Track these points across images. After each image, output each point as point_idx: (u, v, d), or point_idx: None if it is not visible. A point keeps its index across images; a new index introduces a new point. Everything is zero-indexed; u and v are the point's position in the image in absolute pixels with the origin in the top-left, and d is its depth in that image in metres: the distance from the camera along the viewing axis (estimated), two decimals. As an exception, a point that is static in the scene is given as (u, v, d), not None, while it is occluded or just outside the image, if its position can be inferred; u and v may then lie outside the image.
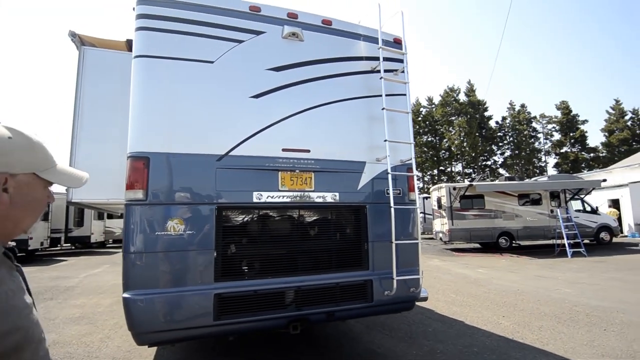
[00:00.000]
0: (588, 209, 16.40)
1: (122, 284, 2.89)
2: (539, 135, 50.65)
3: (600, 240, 16.04)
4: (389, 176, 3.49)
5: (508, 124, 50.82)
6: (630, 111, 45.28)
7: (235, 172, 3.15)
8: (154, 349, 4.57)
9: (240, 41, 3.35)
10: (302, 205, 3.33)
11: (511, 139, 50.41)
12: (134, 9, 3.20)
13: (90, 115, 3.67)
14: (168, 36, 3.16)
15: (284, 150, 3.31)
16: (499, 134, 50.43)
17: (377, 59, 3.83)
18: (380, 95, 3.72)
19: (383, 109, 3.62)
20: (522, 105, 51.10)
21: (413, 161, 3.72)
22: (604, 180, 15.50)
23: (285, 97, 3.40)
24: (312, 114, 3.47)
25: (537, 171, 48.43)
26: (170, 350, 4.44)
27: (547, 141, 50.46)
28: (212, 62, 3.24)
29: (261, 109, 3.31)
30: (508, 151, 50.56)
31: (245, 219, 3.21)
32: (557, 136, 49.55)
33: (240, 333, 3.24)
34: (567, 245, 13.05)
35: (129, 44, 3.96)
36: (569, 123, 47.99)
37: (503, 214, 15.76)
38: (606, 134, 46.40)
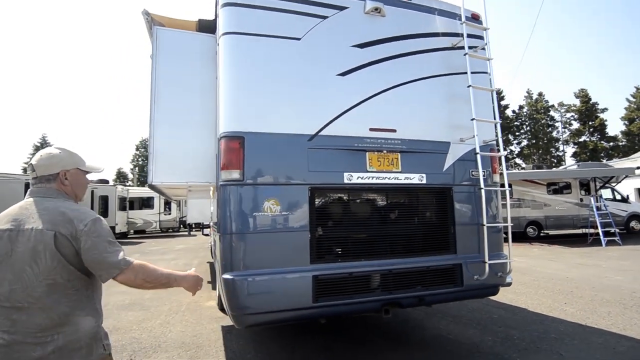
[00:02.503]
0: (618, 197, 16.02)
1: (220, 265, 2.85)
2: (556, 124, 49.59)
3: (630, 229, 15.69)
4: (478, 157, 3.37)
5: (525, 113, 49.83)
6: (653, 98, 43.96)
7: (325, 152, 3.06)
8: (220, 334, 4.57)
9: (324, 17, 3.23)
10: (390, 186, 3.23)
11: (528, 128, 49.44)
12: None
13: (165, 96, 3.60)
14: (254, 12, 3.06)
15: (371, 129, 3.21)
16: (515, 123, 49.50)
17: (455, 34, 3.69)
18: (461, 73, 3.59)
19: (469, 86, 3.48)
20: (540, 94, 50.01)
21: (500, 141, 3.59)
22: (638, 168, 15.07)
23: (370, 74, 3.29)
24: (396, 93, 3.35)
25: (555, 160, 47.54)
26: (239, 335, 4.43)
27: (566, 130, 49.44)
28: (298, 39, 3.13)
29: (348, 87, 3.20)
30: (525, 140, 49.65)
31: (337, 200, 3.12)
32: (575, 125, 48.46)
33: (335, 315, 3.19)
34: (601, 233, 12.77)
35: (200, 25, 3.87)
36: (588, 112, 46.81)
37: (532, 203, 15.48)
38: (626, 122, 45.16)
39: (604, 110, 47.01)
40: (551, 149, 48.97)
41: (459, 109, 3.57)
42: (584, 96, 47.63)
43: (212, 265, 10.57)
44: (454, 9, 3.75)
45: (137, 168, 55.50)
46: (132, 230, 23.31)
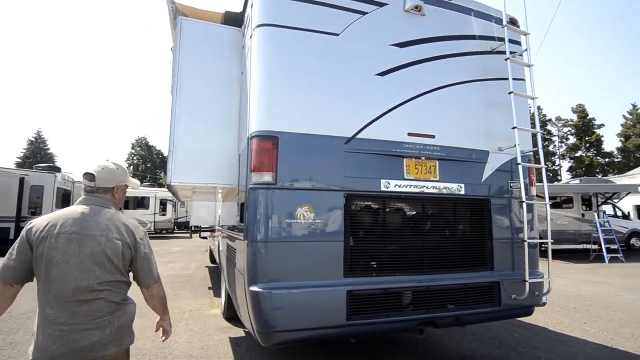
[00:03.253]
0: (619, 214, 16.00)
1: (246, 276, 2.60)
2: (553, 138, 50.01)
3: (631, 246, 15.65)
4: (520, 168, 3.18)
5: (522, 126, 50.07)
6: (648, 116, 44.54)
7: (362, 157, 2.85)
8: (228, 346, 4.30)
9: (363, 12, 3.04)
10: (427, 196, 3.02)
11: (525, 141, 49.65)
12: None
13: (187, 91, 3.37)
14: (292, 3, 2.87)
15: (409, 134, 3.00)
16: (512, 135, 49.67)
17: (493, 38, 3.52)
18: (498, 79, 3.42)
19: (510, 92, 3.30)
20: (538, 107, 50.39)
21: (541, 152, 3.40)
22: (642, 185, 15.08)
23: (409, 75, 3.09)
24: (435, 96, 3.16)
25: (550, 174, 47.85)
26: (249, 348, 4.17)
27: (562, 144, 49.83)
28: (337, 35, 2.93)
29: (387, 87, 3.00)
30: (521, 153, 49.80)
31: (372, 209, 2.90)
32: (572, 140, 48.87)
33: (368, 335, 2.96)
34: (604, 250, 12.68)
35: (226, 17, 3.66)
36: (585, 127, 47.25)
37: (533, 216, 15.34)
38: (622, 139, 45.67)
39: (600, 126, 47.54)
40: (547, 163, 49.31)
41: (495, 116, 3.39)
42: (581, 111, 48.13)
43: (211, 269, 10.27)
44: (491, 12, 3.59)
45: (131, 167, 54.83)
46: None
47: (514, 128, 3.23)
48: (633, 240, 15.76)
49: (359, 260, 2.76)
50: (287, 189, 2.63)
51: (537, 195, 3.31)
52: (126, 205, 22.45)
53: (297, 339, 2.61)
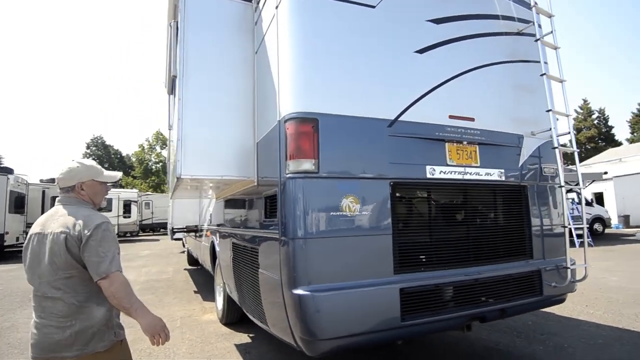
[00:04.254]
0: (583, 201, 16.98)
1: (284, 278, 2.28)
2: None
3: (594, 231, 16.66)
4: (557, 152, 3.06)
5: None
6: (596, 110, 47.88)
7: (406, 141, 2.59)
8: (237, 355, 3.93)
9: (397, -17, 2.77)
10: (470, 183, 2.82)
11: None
12: None
13: (195, 73, 2.94)
14: (324, -30, 2.53)
15: (450, 117, 2.78)
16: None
17: (519, 20, 3.38)
18: (525, 61, 3.29)
19: (543, 74, 3.16)
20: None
21: (573, 136, 3.31)
22: (605, 173, 16.06)
23: (446, 54, 2.87)
24: (472, 77, 2.96)
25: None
26: (261, 355, 3.82)
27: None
28: (373, 7, 2.64)
29: (426, 66, 2.76)
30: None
31: (418, 198, 2.66)
32: (528, 133, 51.59)
33: (419, 335, 2.71)
34: (574, 235, 13.34)
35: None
36: (540, 120, 50.10)
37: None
38: (574, 132, 48.84)
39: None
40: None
41: (525, 99, 3.26)
42: (536, 106, 50.93)
43: (193, 272, 9.67)
44: (516, -6, 3.45)
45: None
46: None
47: (548, 111, 3.11)
48: (596, 226, 16.80)
49: (408, 255, 2.51)
50: (331, 178, 2.33)
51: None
52: (87, 208, 20.90)
53: (347, 345, 2.32)
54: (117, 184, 33.28)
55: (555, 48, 3.41)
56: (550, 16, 3.48)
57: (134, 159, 47.46)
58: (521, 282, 2.90)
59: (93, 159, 54.12)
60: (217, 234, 4.92)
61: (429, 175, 2.62)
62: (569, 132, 3.31)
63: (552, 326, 4.53)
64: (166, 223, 20.74)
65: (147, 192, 31.88)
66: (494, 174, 2.91)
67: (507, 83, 3.20)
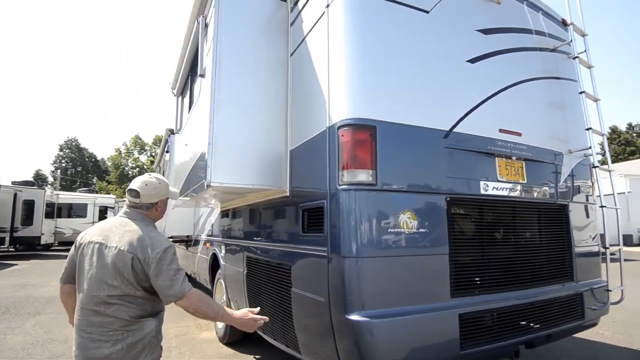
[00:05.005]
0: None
1: (338, 301, 2.05)
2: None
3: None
4: (595, 171, 3.00)
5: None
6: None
7: (460, 154, 2.44)
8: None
9: (448, -10, 2.66)
10: (519, 201, 2.70)
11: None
12: None
13: (229, 72, 2.70)
14: (379, -31, 2.38)
15: (500, 131, 2.66)
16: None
17: (551, 36, 3.35)
18: (560, 79, 3.25)
19: (582, 92, 3.12)
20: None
21: (608, 155, 3.26)
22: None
23: (495, 66, 2.78)
24: (517, 91, 2.87)
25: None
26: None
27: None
28: (427, 12, 2.51)
29: (477, 77, 2.65)
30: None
31: (474, 215, 2.50)
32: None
33: None
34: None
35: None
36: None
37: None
38: (607, 150, 50.15)
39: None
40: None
41: (561, 116, 3.20)
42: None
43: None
44: (549, 10, 3.43)
45: (59, 171, 49.12)
46: (56, 242, 19.95)
47: (588, 129, 3.06)
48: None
49: (464, 277, 2.33)
50: (389, 191, 2.13)
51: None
52: (59, 213, 19.79)
53: (404, 377, 2.10)
54: (90, 189, 31.87)
55: (590, 67, 3.40)
56: (583, 35, 3.48)
57: (109, 163, 45.79)
58: (566, 305, 2.77)
59: (66, 161, 51.88)
60: (222, 246, 4.60)
61: (482, 191, 2.47)
62: (604, 152, 3.27)
63: (568, 347, 4.44)
64: None
65: (124, 198, 30.62)
66: (539, 192, 2.81)
67: (546, 99, 3.13)
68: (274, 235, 3.04)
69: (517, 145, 2.73)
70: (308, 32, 2.68)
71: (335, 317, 2.06)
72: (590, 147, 3.04)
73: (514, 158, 2.69)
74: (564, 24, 3.55)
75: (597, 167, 2.99)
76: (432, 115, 2.37)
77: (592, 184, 3.27)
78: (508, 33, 2.96)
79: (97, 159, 54.94)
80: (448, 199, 2.31)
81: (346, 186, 2.09)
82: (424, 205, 2.22)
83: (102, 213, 22.06)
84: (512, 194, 2.64)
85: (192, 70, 3.86)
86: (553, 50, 3.32)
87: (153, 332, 1.71)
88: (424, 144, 2.29)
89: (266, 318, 1.84)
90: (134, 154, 44.12)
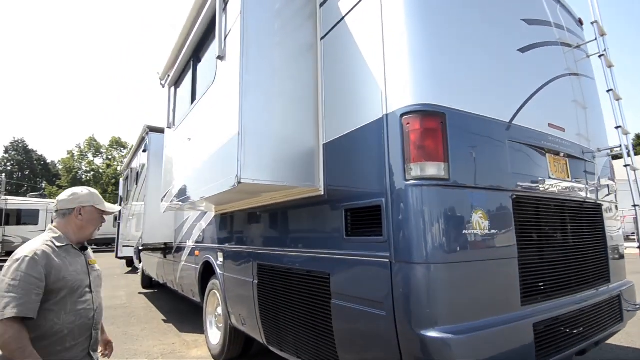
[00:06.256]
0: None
1: (403, 314, 1.77)
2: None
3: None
4: (628, 169, 2.94)
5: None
6: None
7: (520, 148, 2.26)
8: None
9: (497, -26, 2.50)
10: (569, 200, 2.56)
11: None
12: None
13: (257, 54, 2.34)
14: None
15: (550, 125, 2.53)
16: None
17: (573, 34, 3.32)
18: (583, 76, 3.21)
19: (609, 90, 3.08)
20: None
21: (632, 153, 3.23)
22: None
23: (539, 57, 2.65)
24: (557, 85, 2.76)
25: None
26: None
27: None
28: (479, -5, 2.32)
29: (528, 67, 2.51)
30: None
31: (536, 215, 2.30)
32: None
33: None
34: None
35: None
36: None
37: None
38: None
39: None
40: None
41: (588, 114, 3.15)
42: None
43: (152, 296, 8.39)
44: (571, 9, 3.41)
45: (4, 175, 44.84)
46: (4, 252, 18.02)
47: (617, 128, 3.01)
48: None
49: (532, 282, 2.13)
50: (462, 187, 1.89)
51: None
52: (7, 221, 17.92)
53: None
54: (41, 194, 29.30)
55: (610, 66, 3.38)
56: (603, 34, 3.47)
57: (60, 167, 42.58)
58: (609, 308, 2.67)
59: (12, 165, 47.57)
60: (220, 254, 4.16)
61: (540, 189, 2.31)
62: (629, 151, 3.25)
63: (596, 352, 4.41)
64: (109, 238, 18.36)
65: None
66: (582, 191, 2.71)
67: (575, 96, 3.06)
68: (301, 240, 2.71)
69: (563, 141, 2.61)
70: (348, 12, 2.40)
71: (404, 333, 1.78)
72: (621, 146, 2.99)
73: (561, 154, 2.56)
74: (580, 23, 3.55)
75: (628, 165, 2.94)
76: (495, 105, 2.17)
77: (630, 182, 3.22)
78: (544, 26, 2.86)
79: (47, 161, 50.91)
80: (514, 197, 2.11)
81: (415, 181, 1.82)
82: (493, 203, 2.01)
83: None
84: (562, 192, 2.50)
85: (194, 57, 3.44)
86: (578, 47, 3.28)
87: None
88: (490, 136, 2.09)
89: None
90: (88, 157, 41.28)
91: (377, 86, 2.07)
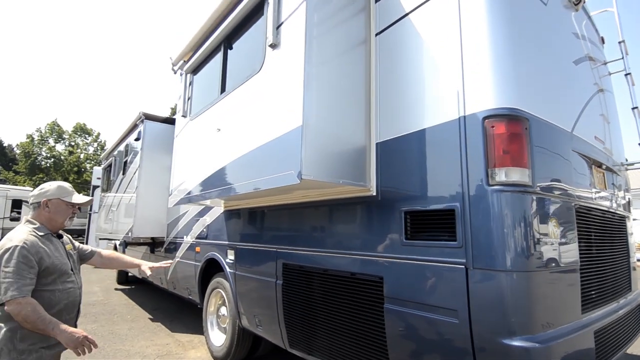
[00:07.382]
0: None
1: (487, 323, 1.73)
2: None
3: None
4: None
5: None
6: None
7: (578, 158, 2.29)
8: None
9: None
10: (609, 211, 2.64)
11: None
12: None
13: (318, 44, 2.22)
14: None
15: (596, 138, 2.59)
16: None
17: (599, 51, 3.45)
18: (607, 92, 3.34)
19: (634, 108, 3.21)
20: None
21: (652, 170, 3.40)
22: None
23: (586, 70, 2.71)
24: (597, 98, 2.85)
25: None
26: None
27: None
28: (545, 4, 2.33)
29: (580, 79, 2.56)
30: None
31: (589, 225, 2.34)
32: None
33: None
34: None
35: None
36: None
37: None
38: None
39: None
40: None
41: (613, 128, 3.28)
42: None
43: (130, 292, 7.90)
44: (597, 27, 3.54)
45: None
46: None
47: (641, 144, 3.14)
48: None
49: (589, 290, 2.16)
50: (542, 194, 1.88)
51: None
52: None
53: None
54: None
55: (633, 84, 3.54)
56: (626, 54, 3.62)
57: (18, 151, 39.69)
58: (634, 317, 2.78)
59: (-41, 145, 43.74)
60: (231, 251, 3.96)
61: (592, 199, 2.35)
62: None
63: None
64: (79, 229, 17.10)
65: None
66: (615, 202, 2.80)
67: (604, 110, 3.17)
68: (342, 241, 2.61)
69: (603, 154, 2.69)
70: (414, 9, 2.34)
71: (482, 342, 1.74)
72: (645, 161, 3.14)
73: (603, 167, 2.64)
74: (602, 41, 3.69)
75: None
76: (562, 114, 2.20)
77: None
78: (583, 40, 2.93)
79: (4, 145, 47.31)
80: (576, 206, 2.13)
81: (500, 187, 1.79)
82: (563, 212, 2.01)
83: (16, 207, 18.84)
84: (602, 203, 2.57)
85: (226, 43, 3.24)
86: (605, 64, 3.41)
87: (3, 341, 1.80)
88: (560, 144, 2.10)
89: (95, 344, 1.85)
90: (49, 142, 38.69)
91: (451, 87, 2.02)
